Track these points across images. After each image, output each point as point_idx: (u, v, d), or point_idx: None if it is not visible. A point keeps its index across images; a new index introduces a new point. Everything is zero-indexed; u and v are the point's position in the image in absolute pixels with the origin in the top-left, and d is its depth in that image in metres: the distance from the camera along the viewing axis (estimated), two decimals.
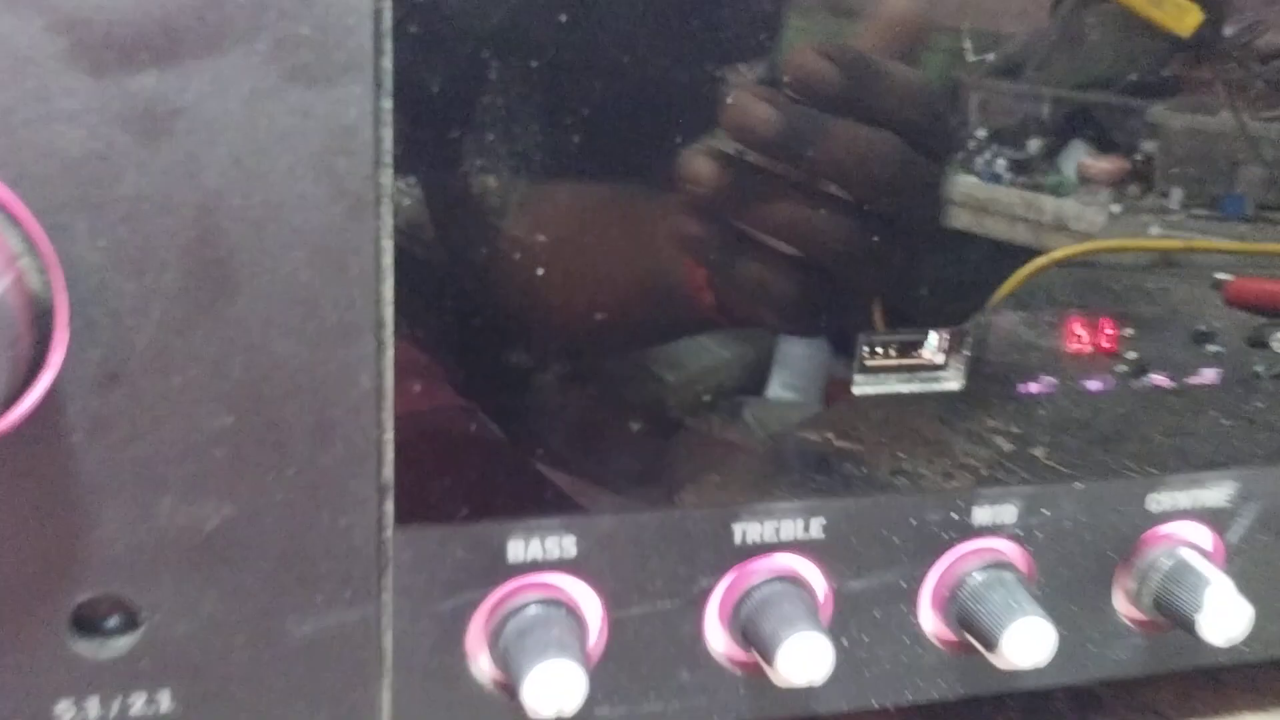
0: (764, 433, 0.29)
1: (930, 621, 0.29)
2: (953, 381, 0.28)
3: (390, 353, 0.24)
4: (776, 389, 0.30)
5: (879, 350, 0.28)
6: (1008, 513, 0.29)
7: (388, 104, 0.22)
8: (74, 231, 0.21)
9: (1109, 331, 0.29)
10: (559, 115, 0.24)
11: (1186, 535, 0.31)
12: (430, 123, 0.23)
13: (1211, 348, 0.32)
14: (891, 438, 0.28)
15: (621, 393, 0.28)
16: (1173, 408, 0.31)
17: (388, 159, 0.23)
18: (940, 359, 0.28)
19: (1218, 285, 0.33)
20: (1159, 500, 0.30)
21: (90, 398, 0.22)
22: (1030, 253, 0.30)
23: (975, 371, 0.28)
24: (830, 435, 0.29)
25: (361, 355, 0.23)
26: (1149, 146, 0.31)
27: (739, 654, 0.28)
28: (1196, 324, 0.32)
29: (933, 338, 0.28)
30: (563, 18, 0.23)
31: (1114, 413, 0.30)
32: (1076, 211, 0.30)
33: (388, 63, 0.22)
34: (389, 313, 0.23)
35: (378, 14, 0.22)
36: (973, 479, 0.29)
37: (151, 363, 0.22)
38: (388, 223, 0.23)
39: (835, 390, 0.29)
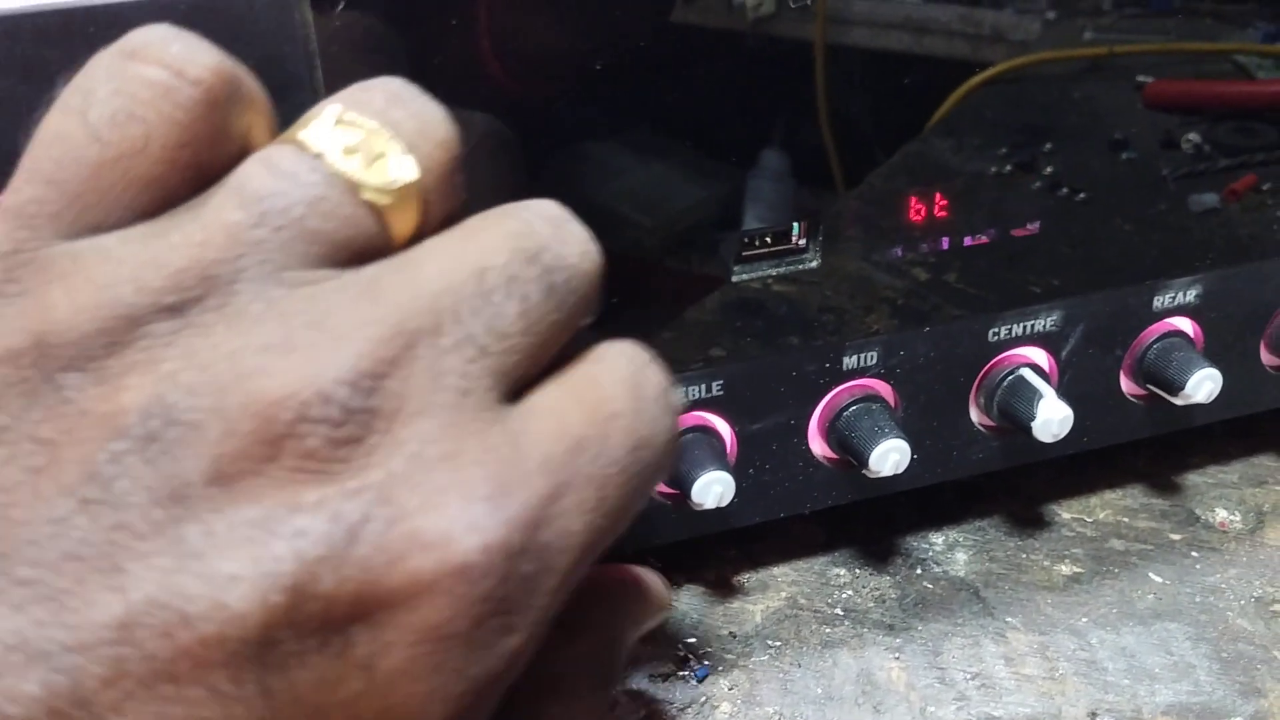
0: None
1: (818, 446, 0.37)
2: (812, 261, 0.34)
3: None
4: (751, 222, 0.34)
5: (755, 242, 0.34)
6: (870, 357, 0.36)
7: None
8: None
9: (941, 203, 0.35)
10: None
11: (1026, 356, 0.38)
12: None
13: (1126, 155, 0.37)
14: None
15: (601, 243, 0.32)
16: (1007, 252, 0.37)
17: None
18: (803, 243, 0.34)
19: (1139, 88, 0.36)
20: (997, 332, 0.37)
21: None
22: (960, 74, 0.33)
23: (828, 249, 0.34)
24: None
25: None
26: None
27: (670, 491, 0.36)
28: (1114, 132, 0.37)
29: (795, 226, 0.34)
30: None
31: (942, 266, 0.36)
32: (1013, 21, 0.34)
33: (320, 76, 0.28)
34: None
35: (306, 39, 0.28)
36: (888, 310, 0.35)
37: None
38: None
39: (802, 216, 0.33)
